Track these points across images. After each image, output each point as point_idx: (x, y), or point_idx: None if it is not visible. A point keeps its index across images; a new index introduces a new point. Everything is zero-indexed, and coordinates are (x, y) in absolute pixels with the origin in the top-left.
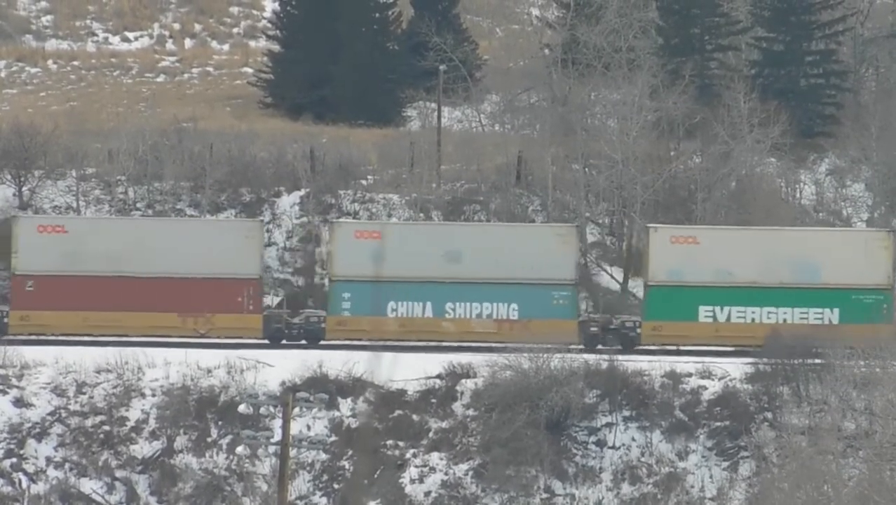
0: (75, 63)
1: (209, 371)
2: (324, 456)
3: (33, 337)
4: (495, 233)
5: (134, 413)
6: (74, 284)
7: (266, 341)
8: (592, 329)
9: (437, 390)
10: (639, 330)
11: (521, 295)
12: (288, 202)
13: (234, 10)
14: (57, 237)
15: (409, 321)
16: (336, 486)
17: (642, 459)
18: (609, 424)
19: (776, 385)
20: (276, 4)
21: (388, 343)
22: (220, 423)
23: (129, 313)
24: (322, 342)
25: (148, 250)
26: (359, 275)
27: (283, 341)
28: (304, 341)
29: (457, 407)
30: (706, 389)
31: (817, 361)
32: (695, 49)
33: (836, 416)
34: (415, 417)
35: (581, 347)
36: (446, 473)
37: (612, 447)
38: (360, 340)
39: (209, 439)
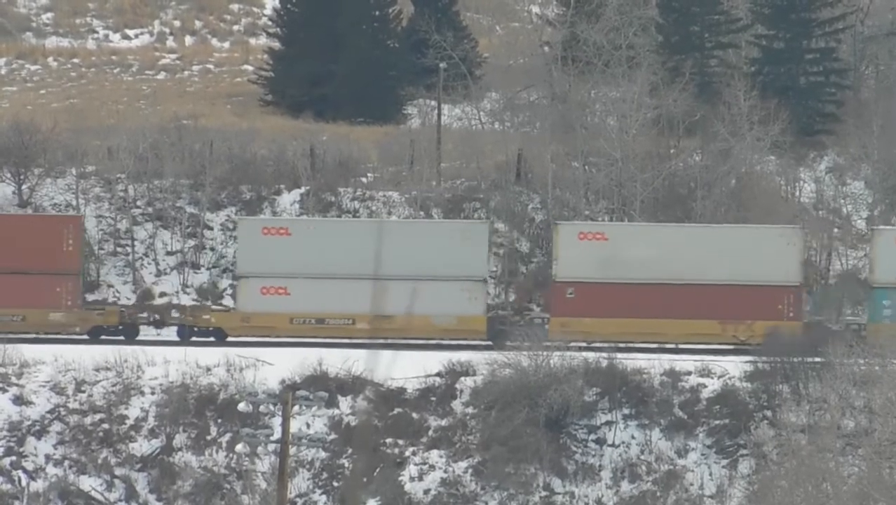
0: (75, 60)
1: (208, 369)
2: (323, 454)
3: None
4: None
5: (133, 411)
6: (614, 292)
7: None
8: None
9: (436, 388)
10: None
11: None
12: (288, 200)
13: (235, 7)
14: (596, 244)
15: None
16: (335, 484)
17: (642, 457)
18: (608, 422)
19: (775, 383)
20: (277, 2)
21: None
22: (219, 421)
23: (669, 321)
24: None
25: (686, 257)
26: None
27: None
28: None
29: (456, 405)
30: (705, 387)
31: (817, 359)
32: (695, 46)
33: (835, 414)
34: (414, 414)
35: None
36: (446, 471)
37: (612, 445)
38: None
39: (208, 437)
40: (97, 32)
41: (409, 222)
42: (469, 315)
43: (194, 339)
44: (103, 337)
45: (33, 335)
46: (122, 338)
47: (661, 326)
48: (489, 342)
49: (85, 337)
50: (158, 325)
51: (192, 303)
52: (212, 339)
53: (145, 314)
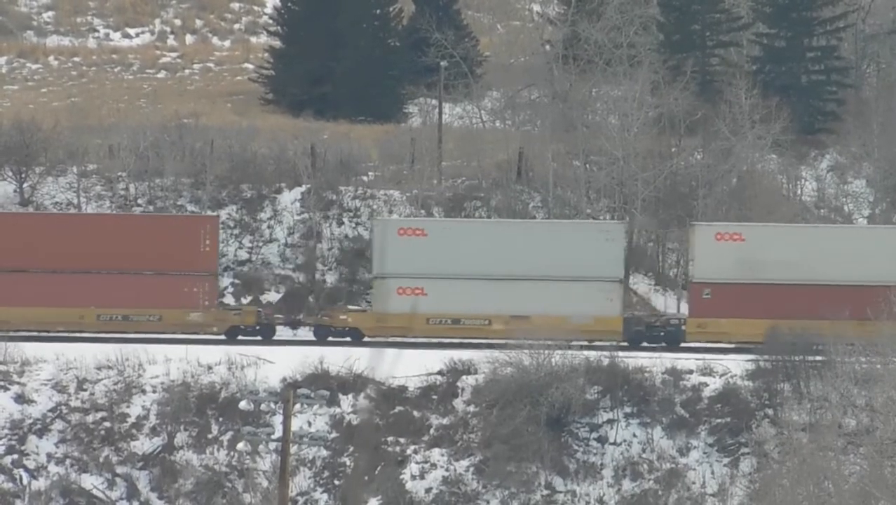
0: (76, 59)
1: (210, 368)
2: (325, 452)
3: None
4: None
5: (135, 409)
6: (751, 293)
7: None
8: None
9: (437, 387)
10: None
11: None
12: (289, 199)
13: (236, 6)
14: (734, 245)
15: None
16: (337, 482)
17: (643, 456)
18: (610, 421)
19: (777, 382)
20: (277, 0)
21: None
22: (220, 419)
23: (809, 322)
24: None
25: (826, 257)
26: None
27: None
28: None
29: (458, 403)
30: (707, 385)
31: (818, 357)
32: (696, 45)
33: (836, 412)
34: (415, 413)
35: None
36: (447, 470)
37: (613, 444)
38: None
39: (210, 436)
40: (98, 31)
41: (548, 223)
42: (606, 316)
43: (329, 339)
44: (239, 337)
45: (168, 335)
46: (258, 338)
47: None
48: (625, 343)
49: (222, 337)
50: (294, 325)
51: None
52: (348, 339)
53: (282, 315)
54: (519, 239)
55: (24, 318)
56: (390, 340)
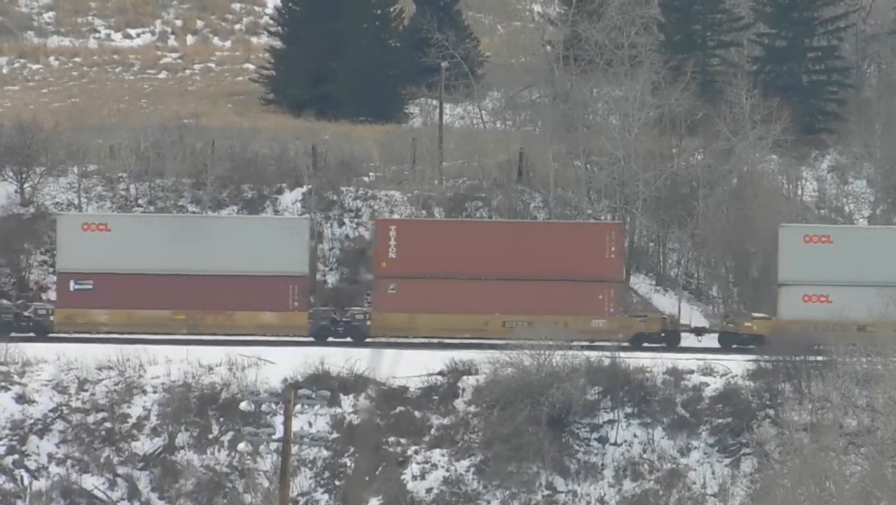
0: (77, 60)
1: (210, 368)
2: (325, 453)
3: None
4: None
5: (135, 410)
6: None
7: None
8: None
9: (438, 387)
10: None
11: None
12: (290, 199)
13: (236, 6)
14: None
15: None
16: (337, 482)
17: (644, 456)
18: (611, 421)
19: (778, 382)
20: (278, 1)
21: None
22: (221, 420)
23: None
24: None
25: None
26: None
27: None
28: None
29: (458, 403)
30: (708, 385)
31: (819, 357)
32: (696, 45)
33: (837, 412)
34: (416, 413)
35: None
36: (448, 470)
37: (614, 444)
38: None
39: (211, 436)
40: (99, 31)
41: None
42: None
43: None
44: (645, 345)
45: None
46: (663, 345)
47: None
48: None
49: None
50: (698, 332)
51: None
52: (751, 346)
53: (688, 322)
54: None
55: (429, 325)
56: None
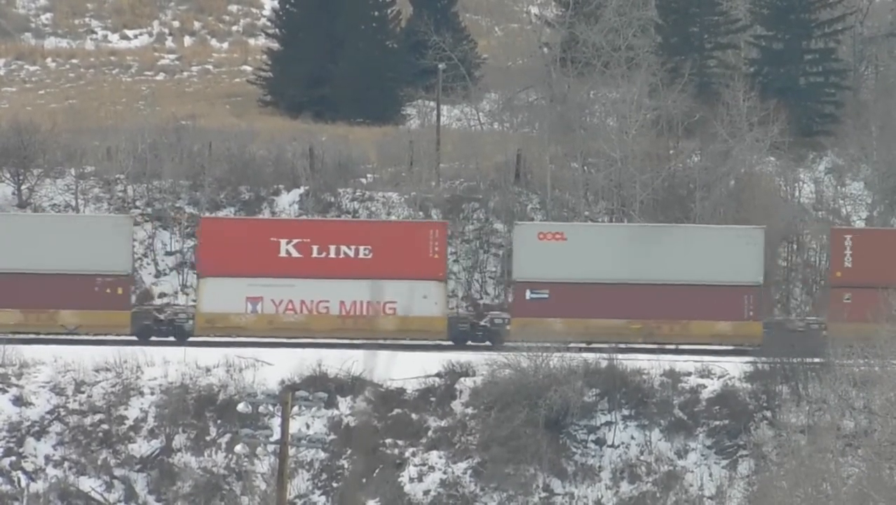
0: (74, 61)
1: (208, 370)
2: (323, 455)
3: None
4: None
5: (133, 412)
6: None
7: None
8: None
9: (436, 389)
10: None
11: None
12: (287, 200)
13: (234, 7)
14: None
15: None
16: (335, 484)
17: (641, 458)
18: (608, 423)
19: (775, 384)
20: (276, 2)
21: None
22: (218, 421)
23: None
24: None
25: None
26: None
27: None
28: None
29: (456, 405)
30: (705, 387)
31: (816, 359)
32: (694, 47)
33: (834, 414)
34: (414, 415)
35: None
36: (445, 472)
37: (612, 446)
38: None
39: (208, 438)
40: (96, 33)
41: None
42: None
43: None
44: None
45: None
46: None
47: None
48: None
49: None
50: None
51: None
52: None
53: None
54: None
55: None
56: None
